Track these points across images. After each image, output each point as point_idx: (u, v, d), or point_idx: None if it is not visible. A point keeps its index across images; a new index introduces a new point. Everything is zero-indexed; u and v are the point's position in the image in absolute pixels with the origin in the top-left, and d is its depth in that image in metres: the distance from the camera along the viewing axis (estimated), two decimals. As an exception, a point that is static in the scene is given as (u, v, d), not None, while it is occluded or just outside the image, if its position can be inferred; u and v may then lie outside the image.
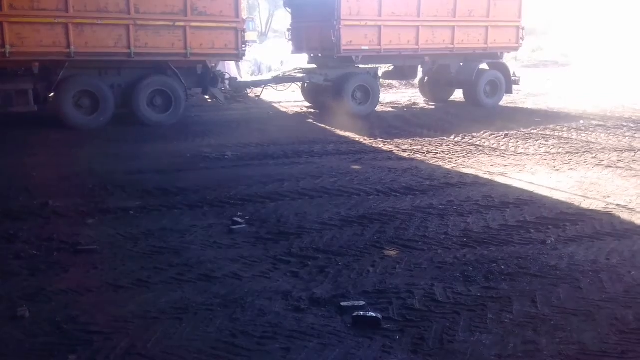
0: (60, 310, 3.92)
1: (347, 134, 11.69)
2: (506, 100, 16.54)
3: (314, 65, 15.53)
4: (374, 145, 10.49)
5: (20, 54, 10.89)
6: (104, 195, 6.83)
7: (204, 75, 12.79)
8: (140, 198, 6.72)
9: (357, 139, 11.05)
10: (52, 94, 11.82)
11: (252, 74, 22.57)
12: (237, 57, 13.04)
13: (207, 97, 14.23)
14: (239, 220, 5.92)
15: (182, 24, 11.97)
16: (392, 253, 5.09)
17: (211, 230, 5.67)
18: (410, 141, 10.75)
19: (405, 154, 9.64)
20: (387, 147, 10.19)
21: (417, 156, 9.50)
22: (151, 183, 7.38)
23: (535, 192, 7.20)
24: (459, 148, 10.09)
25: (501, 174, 8.19)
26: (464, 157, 9.35)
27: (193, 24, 12.08)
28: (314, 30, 14.95)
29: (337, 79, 14.31)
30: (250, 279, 4.50)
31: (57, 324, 3.71)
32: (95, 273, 4.57)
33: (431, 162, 9.09)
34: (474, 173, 8.30)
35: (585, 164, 8.84)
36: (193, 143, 10.46)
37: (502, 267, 4.75)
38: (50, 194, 6.72)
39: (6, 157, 8.87)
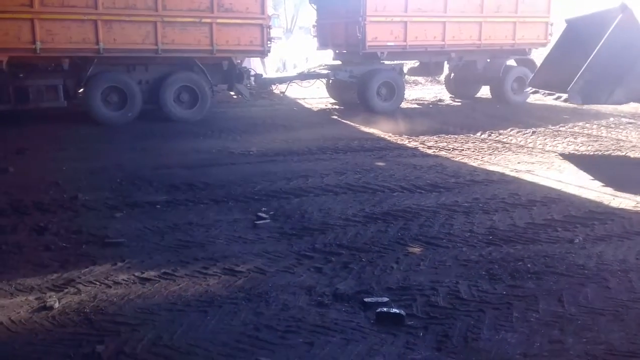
0: (89, 301, 4.00)
1: (371, 130, 11.66)
2: (534, 97, 16.28)
3: (339, 62, 15.52)
4: (399, 141, 10.44)
5: (51, 50, 11.10)
6: (132, 189, 6.94)
7: (229, 72, 12.88)
8: (167, 192, 6.81)
9: (382, 136, 11.02)
10: (81, 90, 12.04)
11: (277, 71, 22.63)
12: (263, 53, 13.10)
13: (232, 93, 14.34)
14: (264, 215, 5.96)
15: (208, 20, 12.07)
16: (416, 250, 5.07)
17: (236, 225, 5.72)
18: (435, 138, 10.67)
19: (430, 151, 9.58)
20: (412, 144, 10.13)
21: (443, 153, 9.42)
22: (178, 178, 7.47)
23: (563, 190, 7.08)
24: (485, 145, 9.99)
25: (528, 171, 8.08)
26: (490, 155, 9.24)
27: (219, 20, 12.17)
28: (339, 26, 14.93)
29: (362, 75, 14.26)
30: (274, 274, 4.53)
31: (86, 315, 3.79)
32: (123, 265, 4.65)
33: (457, 159, 9.01)
34: (500, 170, 8.20)
35: (615, 162, 8.66)
36: (219, 139, 10.55)
37: (529, 265, 4.69)
38: (79, 188, 6.86)
39: (37, 152, 9.07)
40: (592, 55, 7.97)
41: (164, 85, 12.19)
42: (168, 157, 8.84)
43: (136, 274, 4.47)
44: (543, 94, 9.37)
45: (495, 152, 9.44)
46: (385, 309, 3.84)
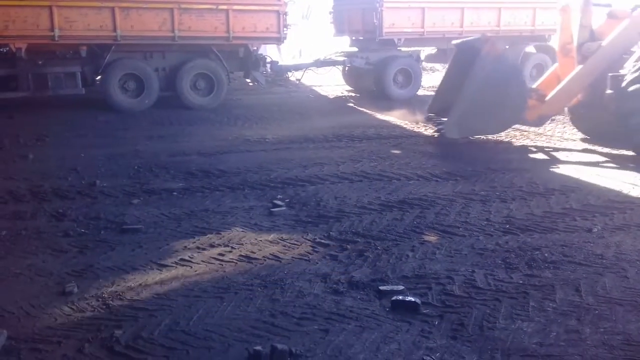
0: (107, 286, 4.05)
1: (387, 118, 11.59)
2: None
3: (355, 49, 15.42)
4: (415, 129, 10.37)
5: (69, 37, 11.18)
6: (149, 176, 6.99)
7: (245, 59, 12.88)
8: (184, 179, 6.85)
9: (398, 123, 10.95)
10: (99, 77, 12.13)
11: (293, 57, 22.56)
12: (279, 40, 13.05)
13: (248, 80, 14.33)
14: (279, 202, 5.97)
15: (224, 7, 12.05)
16: (432, 238, 5.05)
17: (252, 212, 5.74)
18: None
19: (442, 139, 9.48)
20: (429, 132, 10.05)
21: (460, 141, 9.33)
22: (194, 165, 7.51)
23: (582, 178, 6.99)
24: (502, 133, 9.87)
25: (547, 159, 7.98)
26: (508, 142, 9.14)
27: (235, 7, 12.15)
28: (356, 12, 14.81)
29: (378, 62, 14.16)
30: (290, 261, 4.54)
31: (104, 300, 3.84)
32: (140, 251, 4.70)
33: (473, 146, 8.93)
34: (518, 158, 8.11)
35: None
36: (234, 126, 10.57)
37: (546, 254, 4.65)
38: (97, 175, 6.94)
39: (56, 139, 9.17)
40: (464, 88, 7.93)
41: (180, 73, 12.22)
42: (184, 144, 8.89)
43: (153, 260, 4.52)
44: (437, 123, 8.89)
45: (513, 139, 9.34)
46: (400, 297, 3.84)
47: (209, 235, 5.07)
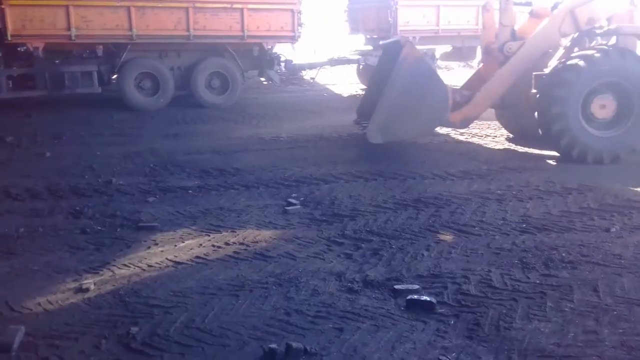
0: (123, 283, 4.08)
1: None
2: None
3: (370, 47, 15.37)
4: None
5: (85, 36, 11.30)
6: (165, 174, 7.04)
7: (260, 58, 12.91)
8: (199, 178, 6.88)
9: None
10: (115, 76, 12.23)
11: (307, 56, 22.55)
12: (293, 39, 13.07)
13: (263, 79, 14.37)
14: (294, 201, 5.97)
15: (239, 6, 12.09)
16: (448, 237, 5.02)
17: (266, 210, 5.75)
18: (477, 123, 10.47)
19: (462, 137, 9.45)
20: (444, 130, 9.98)
21: (475, 140, 9.28)
22: (209, 163, 7.54)
23: (600, 178, 6.90)
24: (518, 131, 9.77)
25: (564, 159, 7.89)
26: (524, 142, 9.05)
27: (250, 5, 12.18)
28: (370, 11, 14.77)
29: (393, 60, 14.09)
30: (305, 259, 4.54)
31: (120, 297, 3.87)
32: (156, 249, 4.73)
33: (489, 145, 8.87)
34: (534, 157, 8.04)
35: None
36: (249, 124, 10.60)
37: (563, 254, 4.60)
38: (113, 172, 6.99)
39: (73, 137, 9.26)
40: (384, 91, 7.68)
41: (195, 72, 12.28)
42: (199, 142, 8.93)
43: (169, 257, 4.54)
44: (363, 127, 8.55)
45: (530, 139, 9.24)
46: (415, 296, 3.81)
47: (224, 233, 5.09)
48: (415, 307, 3.73)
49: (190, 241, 4.90)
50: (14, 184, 6.42)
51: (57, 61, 11.62)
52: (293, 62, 15.18)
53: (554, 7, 8.46)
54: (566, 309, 3.72)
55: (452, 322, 3.58)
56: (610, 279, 4.15)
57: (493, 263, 4.45)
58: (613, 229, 5.16)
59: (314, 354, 3.20)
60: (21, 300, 3.78)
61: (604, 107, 7.75)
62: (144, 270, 4.31)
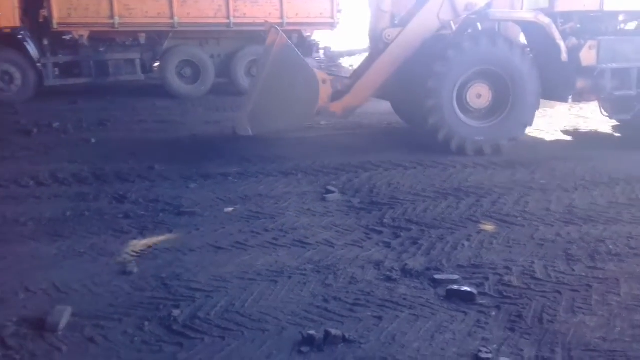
0: (166, 267, 4.16)
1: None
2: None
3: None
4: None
5: (128, 25, 11.51)
6: (205, 160, 7.12)
7: (299, 45, 12.87)
8: (239, 164, 6.94)
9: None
10: (156, 64, 12.43)
11: (346, 43, 22.41)
12: (332, 25, 13.00)
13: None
14: (332, 189, 5.96)
15: (279, -8, 12.09)
16: (489, 227, 4.93)
17: (305, 197, 5.76)
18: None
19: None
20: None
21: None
22: (249, 150, 7.59)
23: (650, 168, 6.65)
24: (565, 120, 9.51)
25: (612, 148, 7.63)
26: (571, 130, 8.80)
27: (289, -8, 12.17)
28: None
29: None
30: (343, 247, 4.53)
31: (162, 280, 3.94)
32: (197, 234, 4.80)
33: (533, 134, 8.65)
34: (580, 146, 7.80)
35: None
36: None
37: (610, 246, 4.46)
38: (156, 159, 7.12)
39: (117, 123, 9.47)
40: (253, 81, 7.33)
41: (235, 59, 12.37)
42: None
43: (209, 242, 4.60)
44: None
45: (577, 127, 8.98)
46: (456, 287, 3.76)
47: (262, 220, 5.12)
48: (455, 298, 3.68)
49: (229, 227, 4.95)
50: (61, 169, 6.61)
51: (101, 49, 11.88)
52: (332, 49, 15.11)
53: None
54: (612, 303, 3.60)
55: (493, 313, 3.52)
56: (660, 273, 4.00)
57: (536, 254, 4.35)
58: (664, 222, 4.97)
59: (353, 341, 3.19)
60: (68, 282, 3.90)
61: (480, 97, 7.44)
62: (185, 254, 4.39)
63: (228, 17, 11.94)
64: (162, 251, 4.44)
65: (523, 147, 7.71)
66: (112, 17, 11.28)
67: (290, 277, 3.98)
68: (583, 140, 8.27)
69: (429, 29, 7.73)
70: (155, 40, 12.07)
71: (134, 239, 4.70)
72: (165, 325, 3.38)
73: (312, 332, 3.21)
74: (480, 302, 3.64)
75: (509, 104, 7.39)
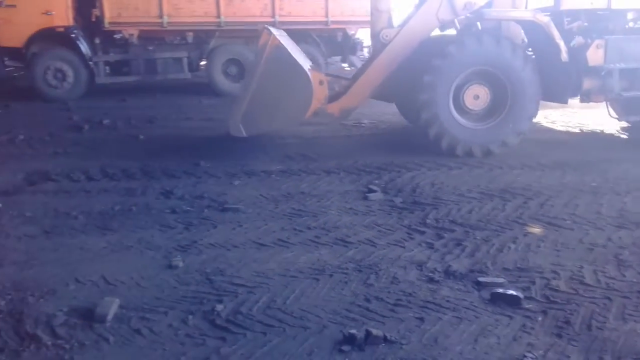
0: (210, 262, 4.22)
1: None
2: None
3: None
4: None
5: (176, 24, 11.76)
6: (249, 158, 7.20)
7: (343, 43, 12.88)
8: (282, 162, 6.99)
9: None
10: (203, 62, 12.64)
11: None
12: (377, 23, 12.90)
13: (345, 65, 14.33)
14: (375, 188, 5.93)
15: (324, -9, 12.10)
16: (536, 230, 4.80)
17: (347, 196, 5.75)
18: (560, 112, 9.97)
19: (555, 126, 9.00)
20: (535, 119, 9.54)
21: (569, 128, 8.80)
22: (292, 148, 7.64)
23: None
24: (614, 120, 9.17)
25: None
26: (624, 130, 8.49)
27: (335, -9, 12.17)
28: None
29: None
30: (385, 247, 4.50)
31: (207, 275, 4.01)
32: (240, 230, 4.85)
33: (584, 135, 8.38)
34: (635, 147, 7.51)
35: None
36: (331, 110, 10.60)
37: (665, 253, 4.28)
38: (201, 155, 7.24)
39: (164, 121, 9.68)
40: (246, 82, 7.11)
41: (279, 57, 12.43)
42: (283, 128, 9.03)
43: (252, 239, 4.65)
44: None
45: (627, 127, 8.65)
46: (501, 290, 3.68)
47: (305, 218, 5.14)
48: (500, 301, 3.60)
49: (272, 224, 4.99)
50: (110, 164, 6.80)
51: (150, 48, 12.17)
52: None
53: None
54: (667, 312, 3.46)
55: (540, 318, 3.43)
56: None
57: (586, 259, 4.22)
58: None
59: (394, 342, 3.17)
60: (115, 274, 4.01)
61: (477, 98, 7.15)
62: (228, 250, 4.45)
63: (273, 16, 12.03)
64: (206, 246, 4.51)
65: (571, 148, 7.48)
66: (161, 16, 11.54)
67: (331, 276, 3.99)
68: (635, 141, 7.95)
69: (427, 29, 7.60)
70: (202, 39, 12.28)
71: (180, 233, 4.79)
72: (208, 319, 3.43)
73: (353, 331, 3.21)
74: (526, 306, 3.56)
75: (506, 107, 7.18)
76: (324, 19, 12.22)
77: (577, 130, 8.68)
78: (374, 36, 7.90)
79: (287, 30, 12.28)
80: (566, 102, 7.92)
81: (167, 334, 3.29)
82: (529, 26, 7.57)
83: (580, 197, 5.58)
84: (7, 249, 4.46)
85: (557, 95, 7.69)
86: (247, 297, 3.69)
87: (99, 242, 4.61)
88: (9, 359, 3.07)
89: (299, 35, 12.48)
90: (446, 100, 7.10)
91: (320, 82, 7.18)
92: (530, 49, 7.79)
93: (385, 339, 3.17)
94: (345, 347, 3.12)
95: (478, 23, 7.71)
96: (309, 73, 6.90)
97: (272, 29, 6.91)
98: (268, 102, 6.89)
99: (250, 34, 12.39)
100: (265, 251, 4.42)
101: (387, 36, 7.66)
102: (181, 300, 3.66)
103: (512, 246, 4.46)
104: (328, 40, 12.81)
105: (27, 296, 3.68)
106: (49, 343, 3.18)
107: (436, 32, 7.95)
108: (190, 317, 3.45)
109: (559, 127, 8.96)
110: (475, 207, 5.37)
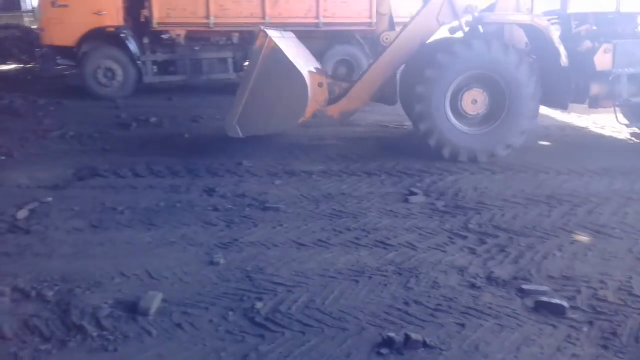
0: (250, 260, 4.27)
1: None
2: None
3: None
4: (566, 119, 9.63)
5: (222, 24, 11.92)
6: (290, 158, 7.24)
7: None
8: (323, 163, 7.00)
9: (546, 112, 10.22)
10: (246, 62, 12.78)
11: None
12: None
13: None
14: (416, 190, 5.87)
15: (368, -8, 12.06)
16: (583, 238, 4.67)
17: (387, 198, 5.71)
18: (609, 115, 9.65)
19: (604, 131, 8.72)
20: (583, 122, 9.29)
21: (617, 134, 8.52)
22: (332, 149, 7.65)
23: None
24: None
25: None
26: (677, 137, 8.16)
27: (379, -8, 12.10)
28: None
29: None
30: (425, 250, 4.46)
31: (247, 273, 4.06)
32: (281, 230, 4.89)
33: (634, 139, 8.09)
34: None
35: None
36: (371, 112, 10.55)
37: None
38: (244, 155, 7.32)
39: (208, 120, 9.83)
40: (242, 83, 6.87)
41: (323, 59, 12.44)
42: (324, 129, 9.05)
43: (292, 238, 4.68)
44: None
45: (683, 135, 8.32)
46: (545, 298, 3.60)
47: (345, 219, 5.14)
48: (544, 310, 3.52)
49: (312, 224, 5.01)
50: (156, 162, 6.96)
51: (196, 48, 12.38)
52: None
53: None
54: None
55: (585, 329, 3.33)
56: None
57: (635, 269, 4.07)
58: None
59: (433, 347, 3.14)
60: (159, 269, 4.10)
61: (476, 102, 6.90)
62: (268, 248, 4.49)
63: (317, 17, 12.07)
64: (247, 244, 4.56)
65: (620, 154, 7.23)
66: (207, 17, 11.73)
67: (370, 278, 3.97)
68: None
69: (427, 31, 7.44)
70: (247, 40, 12.41)
71: (222, 231, 4.86)
72: (248, 316, 3.47)
73: (391, 334, 3.19)
74: (571, 316, 3.46)
75: (505, 110, 6.96)
76: (368, 20, 12.17)
77: (625, 136, 8.38)
78: (377, 39, 7.91)
79: (330, 32, 12.40)
80: (566, 108, 7.72)
81: (207, 330, 3.34)
82: (530, 30, 7.39)
83: (629, 205, 5.39)
84: (56, 241, 4.62)
85: (556, 100, 7.51)
86: (287, 295, 3.71)
87: (143, 237, 4.72)
88: (56, 348, 3.18)
89: (341, 36, 12.53)
90: (442, 109, 6.99)
91: (319, 84, 7.20)
92: (530, 53, 7.57)
93: (424, 344, 3.14)
94: (384, 350, 3.11)
95: (479, 26, 7.57)
96: (305, 75, 6.90)
97: (269, 31, 6.97)
98: (264, 104, 6.94)
99: (295, 34, 12.46)
100: (304, 251, 4.44)
101: (387, 39, 7.67)
102: (222, 297, 3.72)
103: (558, 254, 4.35)
104: (371, 42, 12.75)
105: (74, 288, 3.81)
106: (94, 334, 3.28)
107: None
108: (231, 313, 3.50)
109: (607, 132, 8.68)
110: (520, 212, 5.25)
